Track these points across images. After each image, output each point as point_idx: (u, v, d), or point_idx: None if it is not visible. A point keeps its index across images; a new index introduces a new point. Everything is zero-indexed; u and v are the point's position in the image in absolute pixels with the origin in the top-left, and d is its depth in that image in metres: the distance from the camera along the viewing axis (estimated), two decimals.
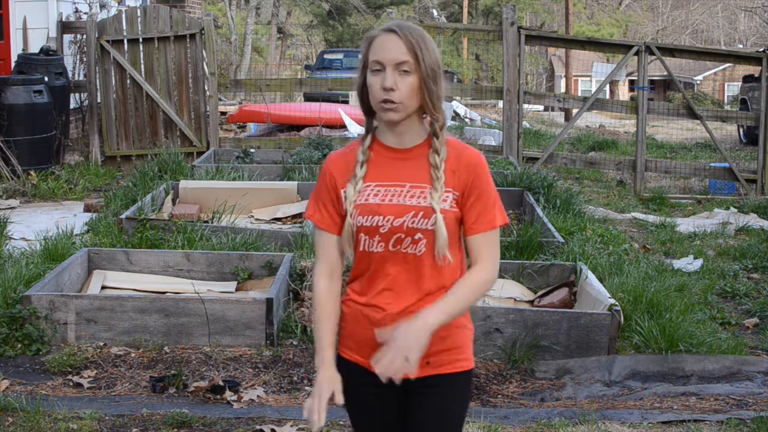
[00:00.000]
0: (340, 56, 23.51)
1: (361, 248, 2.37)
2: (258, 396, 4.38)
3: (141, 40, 11.02)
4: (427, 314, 2.25)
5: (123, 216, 6.85)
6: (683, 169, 11.20)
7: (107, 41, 10.90)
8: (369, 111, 2.41)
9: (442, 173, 2.32)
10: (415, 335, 2.22)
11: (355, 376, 2.40)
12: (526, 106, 14.93)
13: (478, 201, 2.35)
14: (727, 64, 33.80)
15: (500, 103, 15.31)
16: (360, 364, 2.39)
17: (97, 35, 10.87)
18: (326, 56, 23.97)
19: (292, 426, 4.02)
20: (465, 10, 32.66)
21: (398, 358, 2.21)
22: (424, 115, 2.37)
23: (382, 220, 2.31)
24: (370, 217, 2.32)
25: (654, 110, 11.39)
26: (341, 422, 4.10)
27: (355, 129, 12.77)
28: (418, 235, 2.32)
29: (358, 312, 2.39)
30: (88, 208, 8.34)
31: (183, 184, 8.10)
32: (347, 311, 2.43)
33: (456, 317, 2.33)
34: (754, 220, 8.93)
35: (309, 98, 17.93)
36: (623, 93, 34.99)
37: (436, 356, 2.36)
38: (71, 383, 4.51)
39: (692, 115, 11.08)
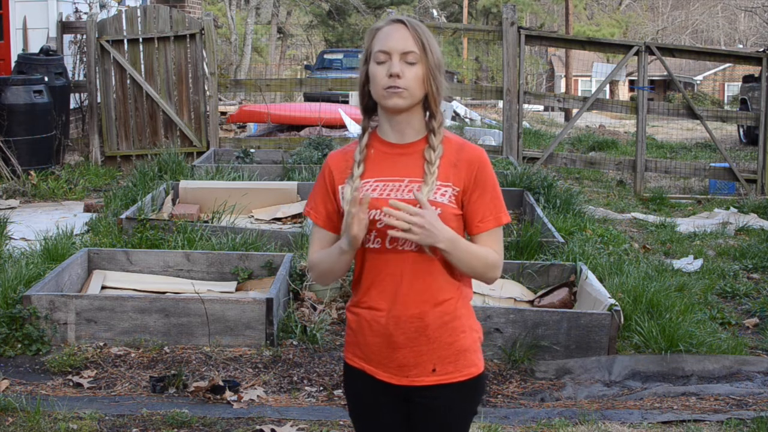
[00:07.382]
0: (340, 56, 23.52)
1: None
2: (258, 396, 4.38)
3: (141, 40, 11.02)
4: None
5: (123, 216, 6.85)
6: (683, 169, 11.20)
7: (107, 41, 10.90)
8: (367, 109, 2.38)
9: (435, 168, 2.27)
10: (438, 223, 2.19)
11: (362, 384, 2.38)
12: (526, 106, 14.94)
13: (482, 197, 2.30)
14: (727, 64, 33.81)
15: (500, 103, 15.32)
16: (367, 372, 2.36)
17: (97, 35, 10.87)
18: (326, 56, 23.98)
19: (292, 426, 4.02)
20: (465, 10, 32.66)
21: (420, 220, 2.16)
22: (426, 113, 2.34)
23: (380, 214, 2.23)
24: (368, 210, 2.26)
25: (654, 110, 11.40)
26: (341, 422, 4.10)
27: (355, 129, 12.77)
28: None
29: (362, 318, 2.35)
30: (88, 208, 8.34)
31: (183, 184, 8.10)
32: (352, 318, 2.39)
33: (458, 259, 2.24)
34: (754, 220, 8.93)
35: (309, 98, 17.94)
36: (623, 93, 34.98)
37: (442, 364, 2.31)
38: (71, 383, 4.51)
39: (692, 115, 11.08)
